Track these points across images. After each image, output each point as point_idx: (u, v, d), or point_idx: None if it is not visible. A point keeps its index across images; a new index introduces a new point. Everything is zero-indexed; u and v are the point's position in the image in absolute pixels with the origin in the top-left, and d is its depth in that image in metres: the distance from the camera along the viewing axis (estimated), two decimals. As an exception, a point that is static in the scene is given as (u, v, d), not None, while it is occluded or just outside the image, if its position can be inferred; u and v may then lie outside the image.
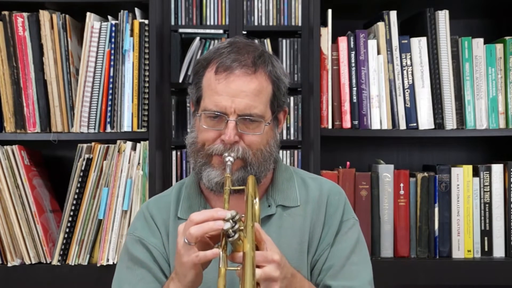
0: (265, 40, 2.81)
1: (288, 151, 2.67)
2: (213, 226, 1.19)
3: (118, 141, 2.26)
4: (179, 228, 1.25)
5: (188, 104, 2.86)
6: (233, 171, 1.35)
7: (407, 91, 2.27)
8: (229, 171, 1.33)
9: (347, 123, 2.26)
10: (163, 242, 1.45)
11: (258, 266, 1.18)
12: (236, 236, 1.18)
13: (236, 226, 1.18)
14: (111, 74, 2.27)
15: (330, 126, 2.26)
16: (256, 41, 2.81)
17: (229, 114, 1.35)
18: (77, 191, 2.24)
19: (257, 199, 1.33)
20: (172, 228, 1.45)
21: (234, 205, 1.31)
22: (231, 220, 1.18)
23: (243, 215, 1.23)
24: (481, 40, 2.29)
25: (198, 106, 1.41)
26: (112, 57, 2.26)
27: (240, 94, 1.34)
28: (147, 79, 2.27)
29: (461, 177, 2.26)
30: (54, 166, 2.49)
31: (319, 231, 1.45)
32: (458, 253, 2.26)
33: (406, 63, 2.27)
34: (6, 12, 2.26)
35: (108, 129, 2.27)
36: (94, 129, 2.27)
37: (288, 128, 2.69)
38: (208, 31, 2.81)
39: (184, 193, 1.49)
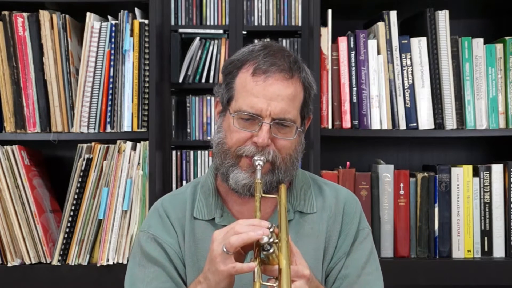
0: (265, 40, 2.82)
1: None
2: (254, 236, 1.19)
3: (118, 141, 2.26)
4: (215, 235, 1.25)
5: (188, 104, 2.86)
6: (261, 174, 1.35)
7: (407, 91, 2.27)
8: (259, 177, 1.33)
9: (347, 123, 2.26)
10: (179, 241, 1.44)
11: None
12: (272, 250, 1.20)
13: (271, 239, 1.20)
14: (111, 74, 2.27)
15: (330, 126, 2.26)
16: (256, 41, 2.81)
17: (264, 116, 1.34)
18: (77, 191, 2.24)
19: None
20: (188, 228, 1.45)
21: (251, 206, 1.32)
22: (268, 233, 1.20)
23: (273, 224, 1.24)
24: (481, 40, 2.29)
25: (228, 106, 1.40)
26: (112, 57, 2.26)
27: (277, 98, 1.35)
28: (147, 79, 2.27)
29: (461, 177, 2.26)
30: (54, 166, 2.49)
31: (335, 239, 1.46)
32: (458, 253, 2.26)
33: (406, 63, 2.27)
34: (6, 12, 2.26)
35: (108, 129, 2.27)
36: (94, 129, 2.27)
37: (288, 128, 2.69)
38: (208, 31, 2.81)
39: (200, 193, 1.48)
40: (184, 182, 2.91)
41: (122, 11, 2.27)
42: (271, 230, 1.21)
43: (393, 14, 2.27)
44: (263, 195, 1.32)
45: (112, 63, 2.27)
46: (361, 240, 1.48)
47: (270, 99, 1.34)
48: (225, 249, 1.20)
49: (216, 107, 1.47)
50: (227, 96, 1.40)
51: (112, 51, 2.26)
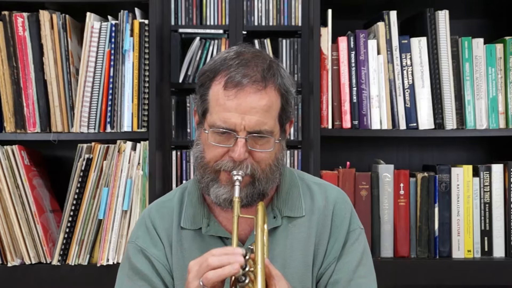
0: (265, 40, 2.82)
1: (288, 151, 2.67)
2: (231, 271, 1.18)
3: (118, 141, 2.26)
4: (190, 265, 1.23)
5: (188, 104, 2.86)
6: (241, 187, 1.32)
7: (407, 91, 2.27)
8: (237, 194, 1.30)
9: (347, 123, 2.26)
10: (166, 253, 1.43)
11: None
12: (247, 281, 1.19)
13: (247, 269, 1.19)
14: (111, 74, 2.27)
15: (330, 126, 2.26)
16: (256, 42, 2.81)
17: (238, 131, 1.31)
18: (77, 191, 2.24)
19: (265, 226, 1.32)
20: (175, 238, 1.43)
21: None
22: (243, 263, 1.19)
23: (250, 246, 1.23)
24: (481, 40, 2.29)
25: (204, 119, 1.36)
26: (112, 57, 2.27)
27: (251, 111, 1.31)
28: (147, 79, 2.27)
29: (461, 177, 2.26)
30: (54, 166, 2.49)
31: (325, 243, 1.42)
32: (458, 253, 2.26)
33: (406, 63, 2.27)
34: (6, 12, 2.26)
35: (108, 129, 2.27)
36: (94, 129, 2.27)
37: (288, 128, 2.69)
38: (208, 31, 2.81)
39: (187, 201, 1.46)
40: (184, 182, 2.92)
41: (122, 11, 2.27)
42: (247, 257, 1.20)
43: (393, 14, 2.27)
44: (241, 215, 1.29)
45: (112, 63, 2.27)
46: (352, 242, 1.43)
47: (243, 113, 1.30)
48: (201, 283, 1.19)
49: (195, 116, 1.44)
50: (201, 109, 1.37)
51: (112, 51, 2.26)
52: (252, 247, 1.23)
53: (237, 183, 1.31)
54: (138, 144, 2.26)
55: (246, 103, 1.30)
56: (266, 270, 1.21)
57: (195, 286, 1.20)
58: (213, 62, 1.37)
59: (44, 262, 2.25)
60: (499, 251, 2.26)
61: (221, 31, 2.81)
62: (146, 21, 2.28)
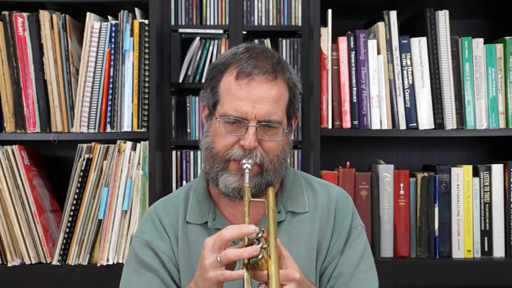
0: (265, 40, 2.82)
1: (288, 151, 2.67)
2: (251, 252, 1.20)
3: (118, 141, 2.26)
4: (206, 242, 1.26)
5: (188, 104, 2.86)
6: (250, 176, 1.35)
7: (407, 91, 2.27)
8: (247, 180, 1.33)
9: (347, 123, 2.26)
10: (172, 246, 1.45)
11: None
12: (260, 256, 1.21)
13: (260, 245, 1.21)
14: (111, 74, 2.27)
15: (330, 126, 2.26)
16: (256, 41, 2.81)
17: (249, 120, 1.35)
18: (77, 191, 2.24)
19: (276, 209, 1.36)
20: (181, 232, 1.45)
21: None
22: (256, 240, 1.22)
23: (262, 229, 1.25)
24: (481, 40, 2.29)
25: (214, 111, 1.40)
26: (112, 57, 2.27)
27: (261, 100, 1.35)
28: (147, 79, 2.27)
29: (461, 177, 2.26)
30: (54, 166, 2.49)
31: (328, 238, 1.46)
32: (458, 253, 2.26)
33: (406, 63, 2.27)
34: (6, 12, 2.26)
35: (108, 129, 2.27)
36: (94, 129, 2.27)
37: (288, 128, 2.69)
38: (208, 31, 2.81)
39: (192, 197, 1.49)
40: (184, 182, 2.92)
41: (122, 11, 2.27)
42: (260, 235, 1.22)
43: (393, 14, 2.27)
44: (252, 199, 1.32)
45: (112, 63, 2.27)
46: (354, 238, 1.48)
47: (254, 101, 1.35)
48: (219, 259, 1.21)
49: (203, 111, 1.47)
50: (212, 101, 1.41)
51: (112, 51, 2.26)
52: (263, 229, 1.26)
53: (246, 171, 1.34)
54: (138, 144, 2.26)
55: (257, 92, 1.35)
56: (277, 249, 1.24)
57: (210, 261, 1.22)
58: (224, 57, 1.42)
59: (44, 262, 2.25)
60: (499, 251, 2.26)
61: (221, 31, 2.82)
62: (146, 21, 2.28)
